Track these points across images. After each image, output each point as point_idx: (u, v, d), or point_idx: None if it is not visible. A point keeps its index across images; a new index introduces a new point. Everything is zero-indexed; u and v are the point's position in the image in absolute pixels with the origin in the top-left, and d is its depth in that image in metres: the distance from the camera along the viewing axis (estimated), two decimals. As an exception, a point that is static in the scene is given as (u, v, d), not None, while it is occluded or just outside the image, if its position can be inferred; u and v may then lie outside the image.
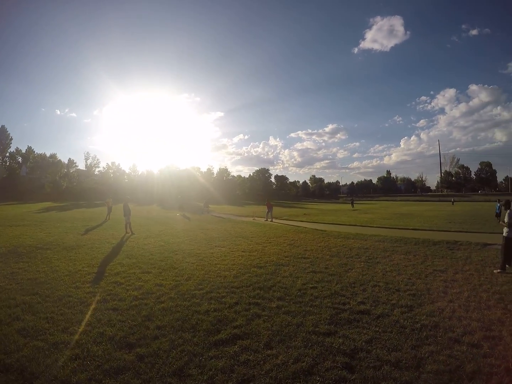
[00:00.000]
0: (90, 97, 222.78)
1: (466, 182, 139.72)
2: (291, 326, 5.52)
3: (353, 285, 7.90)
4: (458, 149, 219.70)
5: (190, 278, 8.54)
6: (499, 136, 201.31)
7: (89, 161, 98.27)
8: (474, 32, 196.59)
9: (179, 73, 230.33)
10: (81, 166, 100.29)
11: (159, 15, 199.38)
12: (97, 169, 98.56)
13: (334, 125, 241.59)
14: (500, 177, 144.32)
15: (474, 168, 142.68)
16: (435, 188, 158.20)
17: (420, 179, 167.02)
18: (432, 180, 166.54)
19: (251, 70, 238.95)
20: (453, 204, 68.77)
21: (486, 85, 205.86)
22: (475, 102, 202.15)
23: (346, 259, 10.84)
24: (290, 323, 5.64)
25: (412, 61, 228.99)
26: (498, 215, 23.76)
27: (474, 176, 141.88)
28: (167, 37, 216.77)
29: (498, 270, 9.18)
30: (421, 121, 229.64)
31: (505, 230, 9.40)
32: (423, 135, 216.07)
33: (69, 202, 60.85)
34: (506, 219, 9.39)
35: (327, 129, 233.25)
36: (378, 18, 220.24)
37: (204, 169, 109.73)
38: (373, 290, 7.52)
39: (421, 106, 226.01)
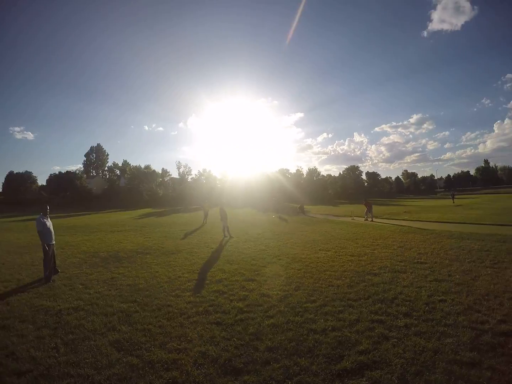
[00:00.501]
0: (175, 112, 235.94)
1: None
2: (427, 352, 4.64)
3: (486, 297, 6.75)
4: None
5: (299, 287, 7.94)
6: None
7: (181, 170, 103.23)
8: None
9: (253, 78, 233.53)
10: (174, 174, 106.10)
11: (229, 27, 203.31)
12: (189, 177, 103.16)
13: (419, 115, 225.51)
14: None
15: None
16: None
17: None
18: None
19: (324, 67, 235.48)
20: None
21: None
22: None
23: (468, 264, 9.67)
24: (424, 348, 4.76)
25: (487, 37, 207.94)
26: None
27: None
28: (236, 46, 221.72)
29: None
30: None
31: None
32: None
33: (167, 207, 63.73)
34: None
35: (412, 120, 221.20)
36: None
37: (293, 170, 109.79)
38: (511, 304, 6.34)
39: (508, 84, 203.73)
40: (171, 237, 18.15)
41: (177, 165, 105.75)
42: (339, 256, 11.58)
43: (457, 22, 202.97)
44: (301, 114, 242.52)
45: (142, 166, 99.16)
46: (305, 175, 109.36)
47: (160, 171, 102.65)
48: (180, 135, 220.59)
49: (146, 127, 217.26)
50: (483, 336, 5.06)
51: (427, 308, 6.36)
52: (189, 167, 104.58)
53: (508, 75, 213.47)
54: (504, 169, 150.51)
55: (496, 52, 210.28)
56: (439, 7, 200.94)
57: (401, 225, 20.48)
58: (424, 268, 9.44)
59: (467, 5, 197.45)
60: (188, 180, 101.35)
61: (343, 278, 8.66)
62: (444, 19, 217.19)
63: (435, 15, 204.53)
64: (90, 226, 26.68)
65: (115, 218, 37.55)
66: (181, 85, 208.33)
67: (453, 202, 48.00)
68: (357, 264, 10.27)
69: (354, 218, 26.68)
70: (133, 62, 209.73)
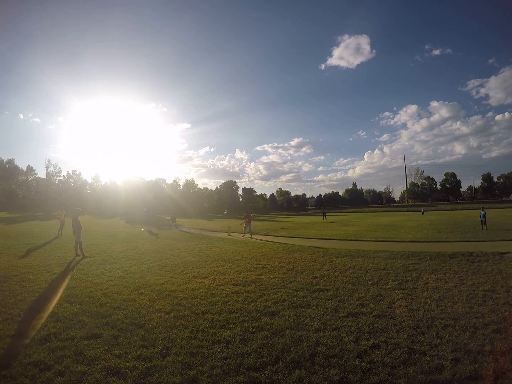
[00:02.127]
0: (56, 102, 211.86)
1: (432, 192, 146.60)
2: None
3: (417, 329, 5.76)
4: (419, 161, 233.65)
5: (167, 350, 5.09)
6: (459, 149, 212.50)
7: (50, 169, 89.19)
8: (436, 52, 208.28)
9: (146, 82, 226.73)
10: (42, 174, 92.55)
11: (127, 20, 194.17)
12: (58, 178, 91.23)
13: (300, 139, 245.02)
14: (463, 187, 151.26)
15: (438, 178, 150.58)
16: (399, 199, 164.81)
17: (387, 190, 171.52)
18: (395, 192, 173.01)
19: (218, 82, 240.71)
20: (423, 213, 69.29)
21: (446, 102, 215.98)
22: (435, 117, 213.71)
23: (373, 287, 8.58)
24: None
25: (376, 78, 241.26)
26: (483, 222, 24.62)
27: (440, 186, 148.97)
28: (134, 44, 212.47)
29: None
30: (384, 135, 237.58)
31: None
32: (386, 149, 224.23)
33: (25, 213, 55.65)
34: None
35: (292, 143, 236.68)
36: (346, 36, 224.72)
37: (169, 181, 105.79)
38: (450, 334, 5.56)
39: (384, 121, 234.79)
40: (9, 254, 14.18)
41: (46, 164, 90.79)
42: (220, 285, 9.08)
43: (354, 61, 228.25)
44: (187, 125, 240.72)
45: (5, 160, 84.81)
46: (181, 186, 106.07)
47: (24, 169, 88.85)
48: (57, 130, 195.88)
49: (22, 115, 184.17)
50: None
51: (363, 364, 4.59)
52: (59, 167, 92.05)
53: (386, 113, 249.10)
54: (369, 191, 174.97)
55: (379, 91, 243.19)
56: (342, 45, 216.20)
57: (282, 243, 18.97)
58: (328, 298, 7.70)
59: (367, 48, 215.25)
60: (56, 182, 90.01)
61: (232, 326, 6.09)
62: (343, 56, 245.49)
63: (336, 52, 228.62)
64: None
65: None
66: (68, 74, 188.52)
67: (325, 219, 49.84)
68: (245, 298, 7.87)
69: (231, 234, 24.68)
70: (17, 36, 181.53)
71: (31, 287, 8.81)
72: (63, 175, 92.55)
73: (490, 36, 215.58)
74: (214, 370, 4.46)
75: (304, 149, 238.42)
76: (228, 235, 24.00)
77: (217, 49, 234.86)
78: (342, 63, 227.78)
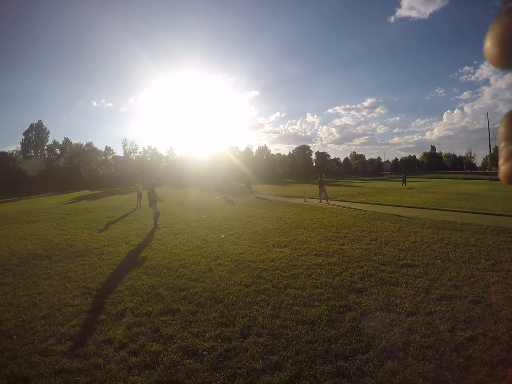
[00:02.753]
0: (125, 86, 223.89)
1: None
2: None
3: None
4: None
5: (247, 331, 4.95)
6: None
7: (127, 147, 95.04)
8: None
9: (210, 53, 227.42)
10: (120, 153, 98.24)
11: None
12: (135, 155, 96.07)
13: (373, 99, 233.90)
14: None
15: None
16: (481, 166, 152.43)
17: (469, 155, 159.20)
18: (478, 157, 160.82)
19: (284, 46, 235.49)
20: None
21: None
22: None
23: (464, 266, 7.99)
24: None
25: (453, 28, 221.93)
26: None
27: None
28: (196, 18, 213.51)
29: None
30: (465, 93, 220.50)
31: None
32: (466, 108, 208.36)
33: (107, 189, 58.24)
34: None
35: (365, 104, 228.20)
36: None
37: (242, 148, 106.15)
38: None
39: (464, 77, 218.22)
40: (90, 228, 14.73)
41: (123, 143, 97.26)
42: (301, 256, 9.01)
43: (425, 10, 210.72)
44: (256, 92, 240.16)
45: (84, 144, 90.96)
46: (254, 153, 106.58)
47: (103, 150, 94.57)
48: (129, 111, 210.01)
49: (95, 103, 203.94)
50: None
51: (460, 360, 4.18)
52: (135, 145, 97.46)
53: (466, 68, 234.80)
54: (448, 156, 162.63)
55: (457, 44, 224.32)
56: None
57: (361, 209, 18.49)
58: (418, 275, 7.32)
59: None
60: (133, 158, 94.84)
61: (316, 303, 5.94)
62: (413, 6, 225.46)
63: (405, 1, 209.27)
64: (8, 215, 21.69)
65: (43, 203, 31.63)
66: (134, 57, 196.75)
67: (405, 185, 47.45)
68: (329, 271, 7.73)
69: (307, 199, 24.58)
70: (83, 31, 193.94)
71: (110, 259, 9.31)
72: (140, 151, 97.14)
73: None
74: (299, 356, 4.30)
75: (377, 110, 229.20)
76: (305, 201, 24.00)
77: (281, 12, 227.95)
78: (413, 14, 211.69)
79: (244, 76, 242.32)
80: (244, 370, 4.03)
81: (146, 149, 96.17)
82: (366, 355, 4.32)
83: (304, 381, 3.85)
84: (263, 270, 7.77)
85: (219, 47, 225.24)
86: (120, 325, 5.24)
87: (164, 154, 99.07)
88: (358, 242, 10.40)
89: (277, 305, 5.81)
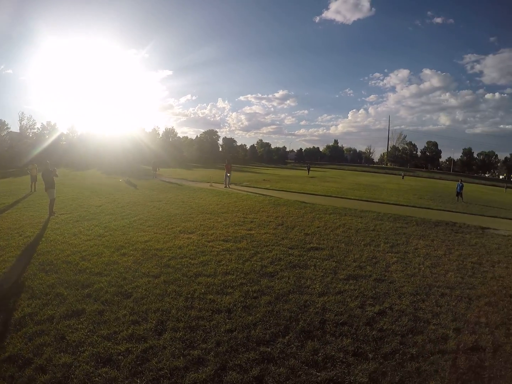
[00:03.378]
0: (29, 51, 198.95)
1: (411, 158, 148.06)
2: None
3: (417, 296, 5.92)
4: (403, 126, 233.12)
5: (162, 326, 4.54)
6: (443, 120, 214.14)
7: (23, 122, 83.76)
8: (438, 20, 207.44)
9: (127, 26, 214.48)
10: (15, 129, 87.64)
11: None
12: (32, 131, 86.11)
13: (285, 91, 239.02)
14: (443, 157, 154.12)
15: (419, 145, 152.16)
16: (377, 161, 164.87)
17: (368, 151, 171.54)
18: (375, 153, 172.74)
19: (205, 28, 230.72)
20: (403, 178, 69.55)
21: (439, 71, 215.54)
22: (425, 85, 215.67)
23: (366, 248, 8.71)
24: None
25: (372, 37, 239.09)
26: (459, 194, 25.30)
27: (420, 153, 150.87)
28: None
29: None
30: (372, 96, 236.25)
31: None
32: (371, 110, 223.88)
33: None
34: None
35: (277, 95, 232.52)
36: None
37: (149, 129, 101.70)
38: (448, 303, 5.75)
39: (373, 81, 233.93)
40: None
41: (19, 117, 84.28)
42: (209, 242, 8.66)
43: (351, 17, 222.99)
44: (169, 72, 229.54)
45: None
46: (161, 135, 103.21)
47: None
48: (30, 80, 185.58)
49: None
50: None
51: (374, 333, 4.58)
52: (33, 120, 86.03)
53: (376, 74, 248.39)
54: (349, 150, 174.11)
55: (373, 52, 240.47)
56: None
57: (266, 195, 18.89)
58: (325, 258, 7.61)
59: (367, 5, 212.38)
60: (30, 135, 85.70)
61: (230, 290, 5.74)
62: (340, 10, 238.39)
63: (334, 5, 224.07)
64: None
65: None
66: (41, 20, 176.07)
67: (308, 174, 49.48)
68: (239, 256, 7.53)
69: (213, 184, 24.31)
70: None
71: (1, 256, 7.59)
72: (37, 127, 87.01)
73: (497, 13, 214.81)
74: (221, 347, 4.09)
75: (288, 102, 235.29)
76: (210, 186, 23.63)
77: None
78: (338, 18, 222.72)
79: (159, 53, 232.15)
80: (166, 370, 3.64)
81: (45, 125, 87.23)
82: (287, 337, 4.34)
83: (230, 372, 3.64)
84: (171, 259, 7.26)
85: (137, 19, 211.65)
86: (20, 337, 4.29)
87: (65, 131, 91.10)
88: (265, 227, 10.43)
89: (189, 295, 5.44)
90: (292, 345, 4.16)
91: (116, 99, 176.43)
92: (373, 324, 4.75)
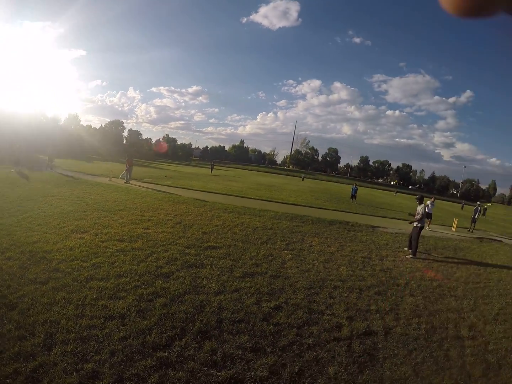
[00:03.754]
0: None
1: (313, 162, 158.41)
2: None
3: (311, 290, 6.29)
4: (308, 132, 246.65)
5: (51, 340, 3.98)
6: (346, 129, 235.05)
7: None
8: (357, 39, 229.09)
9: None
10: None
11: None
12: None
13: (199, 87, 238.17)
14: (342, 163, 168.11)
15: (321, 151, 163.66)
16: (280, 163, 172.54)
17: (272, 152, 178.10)
18: (279, 156, 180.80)
19: (130, 10, 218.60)
20: (303, 180, 73.83)
21: (348, 86, 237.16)
22: (334, 97, 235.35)
23: (263, 246, 8.92)
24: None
25: (292, 46, 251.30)
26: (353, 196, 27.59)
27: (321, 158, 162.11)
28: None
29: (411, 256, 10.41)
30: (282, 101, 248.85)
31: (417, 222, 10.70)
32: (280, 114, 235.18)
33: None
34: (420, 212, 10.67)
35: (191, 90, 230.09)
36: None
37: (50, 115, 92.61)
38: (340, 294, 6.32)
39: (286, 88, 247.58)
40: None
41: None
42: (103, 242, 7.98)
43: (277, 23, 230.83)
44: (83, 52, 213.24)
45: None
46: (62, 121, 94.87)
47: None
48: None
49: None
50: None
51: (270, 327, 4.71)
52: None
53: (290, 81, 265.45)
54: (254, 151, 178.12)
55: (290, 59, 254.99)
56: (271, 4, 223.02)
57: (167, 192, 18.36)
58: (221, 256, 7.57)
59: (294, 15, 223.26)
60: None
61: (123, 294, 5.28)
62: (268, 16, 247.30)
63: (263, 10, 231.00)
64: None
65: None
66: None
67: (211, 172, 49.38)
68: (134, 257, 7.06)
69: (112, 179, 23.06)
70: None
71: None
72: None
73: (410, 43, 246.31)
74: (115, 357, 3.75)
75: (201, 98, 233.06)
76: (109, 181, 22.35)
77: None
78: (265, 22, 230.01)
79: (75, 30, 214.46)
80: (60, 390, 3.20)
81: None
82: (183, 340, 4.17)
83: (128, 383, 3.37)
84: (60, 262, 6.47)
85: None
86: None
87: None
88: (162, 226, 10.06)
89: (80, 302, 4.88)
90: (190, 347, 4.01)
91: (13, 76, 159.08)
92: (270, 319, 4.87)
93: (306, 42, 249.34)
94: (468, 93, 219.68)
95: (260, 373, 3.65)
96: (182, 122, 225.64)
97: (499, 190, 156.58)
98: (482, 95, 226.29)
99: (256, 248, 8.56)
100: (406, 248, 11.26)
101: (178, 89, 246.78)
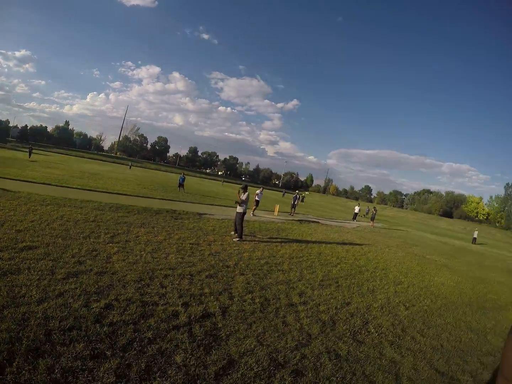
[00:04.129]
0: None
1: (141, 150, 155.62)
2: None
3: (141, 282, 6.13)
4: (139, 119, 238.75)
5: None
6: (178, 119, 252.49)
7: None
8: (205, 36, 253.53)
9: None
10: None
11: None
12: None
13: (28, 52, 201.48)
14: (171, 152, 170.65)
15: (150, 139, 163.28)
16: (108, 149, 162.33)
17: (99, 137, 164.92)
18: (107, 141, 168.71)
19: None
20: (130, 168, 72.15)
21: (187, 78, 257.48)
22: (171, 86, 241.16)
23: (85, 241, 8.17)
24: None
25: (141, 27, 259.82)
26: (181, 185, 28.28)
27: (150, 146, 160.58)
28: None
29: (237, 239, 11.22)
30: (117, 82, 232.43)
31: (240, 207, 11.51)
32: (112, 96, 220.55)
33: None
34: (243, 198, 11.52)
35: (18, 54, 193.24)
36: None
37: None
38: (172, 282, 6.38)
39: (124, 69, 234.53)
40: None
41: None
42: None
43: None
44: None
45: None
46: None
47: None
48: None
49: None
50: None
51: (105, 329, 4.34)
52: None
53: (129, 63, 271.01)
54: (80, 134, 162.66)
55: (135, 41, 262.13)
56: None
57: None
58: (40, 258, 6.50)
59: None
60: None
61: None
62: None
63: None
64: None
65: None
66: None
67: (29, 157, 43.74)
68: None
69: None
70: None
71: None
72: None
73: (253, 50, 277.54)
74: None
75: (27, 66, 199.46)
76: None
77: None
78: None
79: None
80: None
81: None
82: (14, 364, 3.39)
83: None
84: None
85: None
86: None
87: None
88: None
89: None
90: (24, 371, 3.32)
91: None
92: (102, 320, 4.54)
93: (155, 27, 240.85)
94: (295, 101, 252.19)
95: (107, 380, 3.41)
96: (1, 92, 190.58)
97: (316, 182, 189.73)
98: (306, 105, 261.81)
99: (78, 244, 7.80)
100: (232, 232, 12.07)
101: (4, 50, 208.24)
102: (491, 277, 15.80)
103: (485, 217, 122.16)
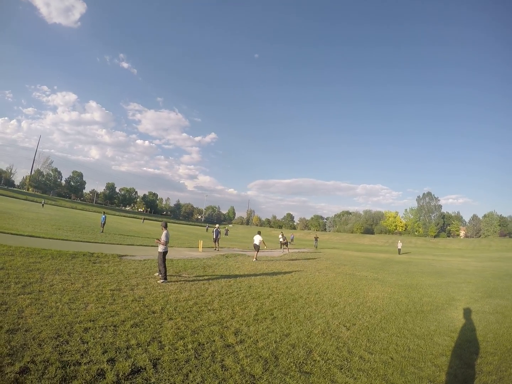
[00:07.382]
0: None
1: (55, 186, 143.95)
2: None
3: (59, 338, 5.28)
4: (53, 150, 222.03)
5: None
6: (94, 153, 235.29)
7: None
8: (125, 64, 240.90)
9: None
10: None
11: None
12: None
13: None
14: (87, 189, 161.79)
15: (64, 174, 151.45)
16: (19, 184, 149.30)
17: (10, 170, 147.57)
18: (18, 175, 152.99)
19: None
20: (43, 206, 66.92)
21: (104, 108, 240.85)
22: (87, 116, 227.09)
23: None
24: None
25: (59, 48, 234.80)
26: (102, 225, 26.73)
27: (65, 182, 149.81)
28: None
29: (162, 280, 10.49)
30: (30, 108, 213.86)
31: (161, 247, 10.81)
32: (24, 124, 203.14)
33: None
34: (163, 238, 10.87)
35: None
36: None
37: None
38: (93, 336, 5.58)
39: (38, 93, 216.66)
40: None
41: None
42: None
43: (55, 17, 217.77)
44: None
45: None
46: None
47: None
48: None
49: None
50: None
51: None
52: None
53: (44, 87, 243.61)
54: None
55: (51, 62, 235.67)
56: None
57: None
58: None
59: (76, 16, 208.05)
60: None
61: None
62: (50, 4, 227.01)
63: None
64: None
65: None
66: None
67: None
68: None
69: None
70: None
71: None
72: None
73: (171, 82, 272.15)
74: None
75: None
76: None
77: None
78: (43, 10, 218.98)
79: None
80: None
81: None
82: None
83: None
84: None
85: None
86: None
87: None
88: None
89: None
90: None
91: None
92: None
93: (73, 49, 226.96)
94: (213, 134, 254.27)
95: None
96: None
97: (238, 214, 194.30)
98: (223, 138, 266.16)
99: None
100: (156, 274, 11.25)
101: None
102: (421, 281, 16.74)
103: (404, 228, 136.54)
